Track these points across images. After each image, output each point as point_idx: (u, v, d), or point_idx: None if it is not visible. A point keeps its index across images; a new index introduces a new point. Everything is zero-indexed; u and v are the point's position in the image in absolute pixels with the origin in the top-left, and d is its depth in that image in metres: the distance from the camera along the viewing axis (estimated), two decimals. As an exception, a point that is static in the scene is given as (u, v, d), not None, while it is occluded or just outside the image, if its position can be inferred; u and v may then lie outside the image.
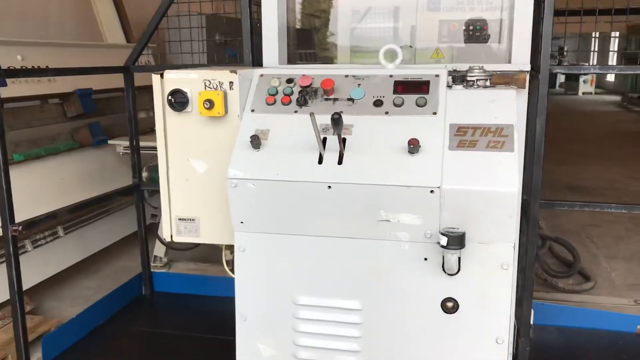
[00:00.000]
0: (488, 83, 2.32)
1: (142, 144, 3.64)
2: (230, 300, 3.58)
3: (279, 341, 2.39)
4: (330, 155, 2.20)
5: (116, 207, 5.09)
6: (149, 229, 3.96)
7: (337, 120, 2.04)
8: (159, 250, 5.02)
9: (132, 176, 3.62)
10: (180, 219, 2.54)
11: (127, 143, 3.72)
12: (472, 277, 2.15)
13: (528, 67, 2.45)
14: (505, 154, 2.09)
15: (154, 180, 4.22)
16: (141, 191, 3.67)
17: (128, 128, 3.58)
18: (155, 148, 2.50)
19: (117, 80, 3.67)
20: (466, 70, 2.33)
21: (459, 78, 2.33)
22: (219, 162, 2.40)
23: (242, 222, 2.34)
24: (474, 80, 2.32)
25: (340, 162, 2.18)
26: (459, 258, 2.13)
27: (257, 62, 2.94)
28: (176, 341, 3.19)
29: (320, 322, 2.33)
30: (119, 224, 5.06)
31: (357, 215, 2.20)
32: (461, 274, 2.16)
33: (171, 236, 2.57)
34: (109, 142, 4.45)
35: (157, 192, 2.56)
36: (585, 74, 18.29)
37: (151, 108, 2.53)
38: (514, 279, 2.16)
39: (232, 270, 4.85)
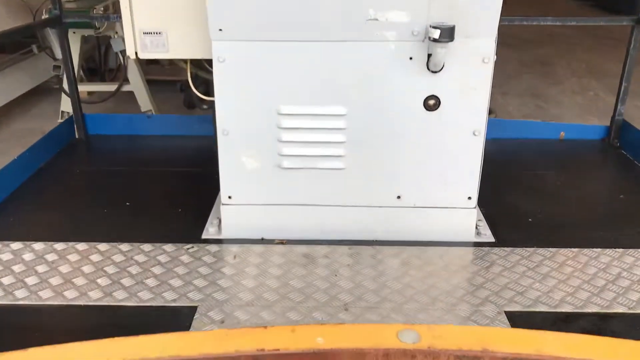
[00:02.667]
0: None
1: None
2: (172, 138, 3.53)
3: (263, 153, 2.39)
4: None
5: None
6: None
7: None
8: (65, 105, 4.65)
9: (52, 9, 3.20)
10: (145, 33, 2.34)
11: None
12: (454, 73, 2.25)
13: None
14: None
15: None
16: (64, 24, 3.27)
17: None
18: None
19: None
20: None
21: None
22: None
23: (220, 30, 2.21)
24: None
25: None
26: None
27: None
28: (130, 176, 3.07)
29: (304, 130, 2.35)
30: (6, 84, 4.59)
31: (345, 14, 2.16)
32: (444, 71, 2.25)
33: (136, 53, 2.37)
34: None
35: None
36: None
37: None
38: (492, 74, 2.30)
39: (189, 102, 4.66)
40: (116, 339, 1.15)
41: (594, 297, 2.14)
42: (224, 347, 1.08)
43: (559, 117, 4.68)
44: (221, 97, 2.32)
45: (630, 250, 2.37)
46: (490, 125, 3.35)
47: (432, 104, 2.31)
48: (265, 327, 1.15)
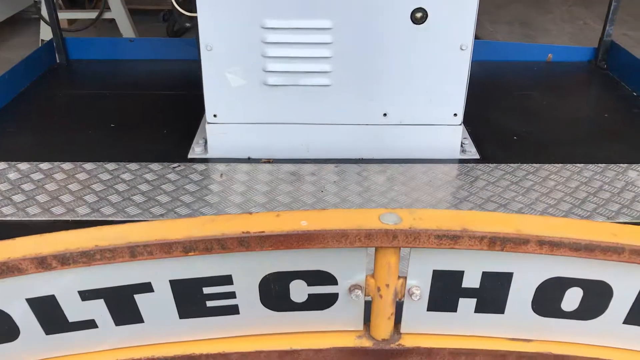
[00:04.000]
0: None
1: None
2: (156, 62, 3.46)
3: (247, 69, 2.36)
4: None
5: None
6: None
7: None
8: (45, 33, 4.54)
9: None
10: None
11: None
12: (443, -16, 2.21)
13: None
14: None
15: None
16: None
17: None
18: None
19: None
20: None
21: None
22: None
23: (201, -63, 2.14)
24: None
25: None
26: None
27: None
28: (114, 99, 3.03)
29: (290, 45, 2.31)
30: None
31: None
32: (432, -18, 2.20)
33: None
34: None
35: None
36: None
37: None
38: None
39: (173, 31, 4.52)
40: (103, 227, 1.16)
41: (575, 209, 2.18)
42: (210, 230, 1.10)
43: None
44: (203, 10, 2.26)
45: (612, 165, 2.41)
46: (479, 47, 3.33)
47: (419, 16, 2.27)
48: (251, 213, 1.16)
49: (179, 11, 2.52)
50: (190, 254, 1.10)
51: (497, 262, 1.14)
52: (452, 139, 2.48)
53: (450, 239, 1.09)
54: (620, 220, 2.11)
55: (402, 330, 1.23)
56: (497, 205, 2.21)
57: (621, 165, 2.41)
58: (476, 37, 4.74)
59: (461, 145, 2.52)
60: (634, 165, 2.40)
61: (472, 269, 1.15)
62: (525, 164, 2.43)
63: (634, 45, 5.21)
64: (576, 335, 1.21)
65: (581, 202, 2.21)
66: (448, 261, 1.14)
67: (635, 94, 2.98)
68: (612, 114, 2.85)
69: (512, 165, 2.43)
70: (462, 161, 2.49)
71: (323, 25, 2.28)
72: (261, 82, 2.38)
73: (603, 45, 3.22)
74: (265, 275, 1.16)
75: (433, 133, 2.46)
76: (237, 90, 2.39)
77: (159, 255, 1.10)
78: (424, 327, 1.22)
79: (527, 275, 1.15)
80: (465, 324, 1.21)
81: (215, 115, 2.45)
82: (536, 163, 2.43)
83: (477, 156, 2.50)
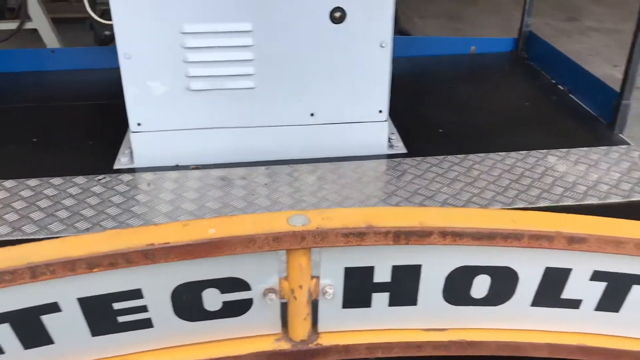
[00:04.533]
0: None
1: None
2: (79, 72, 3.35)
3: (169, 75, 2.32)
4: None
5: None
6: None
7: None
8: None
9: None
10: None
11: None
12: (358, -17, 2.23)
13: None
14: None
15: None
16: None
17: None
18: None
19: None
20: None
21: None
22: None
23: (110, -57, 2.09)
24: None
25: None
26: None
27: None
28: (35, 112, 2.92)
29: (211, 49, 2.29)
30: None
31: None
32: (348, -18, 2.23)
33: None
34: None
35: None
36: None
37: None
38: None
39: (100, 39, 4.38)
40: (1, 248, 1.12)
41: (498, 196, 2.25)
42: (114, 245, 1.08)
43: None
44: (119, 18, 2.21)
45: (533, 151, 2.50)
46: (404, 42, 3.40)
47: (338, 16, 2.29)
48: (157, 224, 1.15)
49: (97, 20, 2.46)
50: (95, 270, 1.07)
51: (405, 256, 1.17)
52: (379, 135, 2.52)
53: (357, 236, 1.10)
54: (541, 205, 2.20)
55: (319, 330, 1.24)
56: (423, 197, 2.25)
57: (541, 151, 2.50)
58: (406, 33, 4.86)
59: (389, 141, 2.56)
60: (553, 150, 2.50)
61: (382, 264, 1.17)
62: (450, 156, 2.48)
63: (556, 35, 5.44)
64: (487, 320, 1.26)
65: (504, 189, 2.29)
66: (358, 258, 1.16)
67: (554, 81, 3.10)
68: (533, 102, 2.95)
69: (438, 157, 2.48)
70: (390, 156, 2.53)
71: (243, 28, 2.27)
72: (184, 88, 2.35)
73: (522, 36, 3.34)
74: (177, 286, 1.15)
75: (360, 130, 2.49)
76: (160, 97, 2.35)
77: (62, 273, 1.07)
78: (341, 324, 1.23)
79: (435, 266, 1.18)
80: (381, 318, 1.23)
81: (139, 124, 2.40)
82: (461, 154, 2.49)
83: (404, 150, 2.55)
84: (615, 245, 1.17)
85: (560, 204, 2.20)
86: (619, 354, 1.27)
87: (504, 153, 2.49)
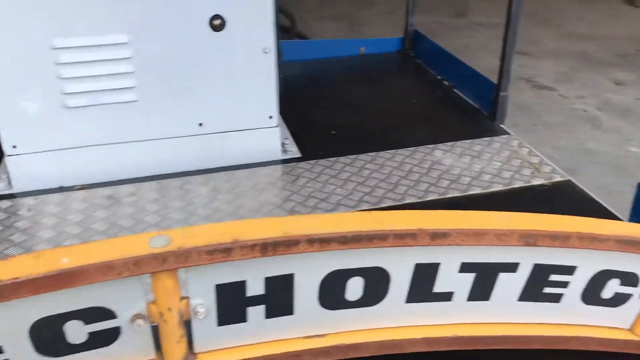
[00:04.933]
0: None
1: None
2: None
3: (44, 93, 2.19)
4: None
5: None
6: None
7: None
8: None
9: None
10: None
11: None
12: (235, -10, 2.21)
13: None
14: None
15: None
16: None
17: None
18: None
19: None
20: None
21: None
22: None
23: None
24: None
25: None
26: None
27: None
28: None
29: (86, 63, 2.19)
30: None
31: None
32: (225, -12, 2.20)
33: None
34: None
35: None
36: None
37: None
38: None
39: None
40: None
41: (389, 193, 2.30)
42: (-45, 285, 0.99)
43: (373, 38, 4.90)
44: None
45: (421, 147, 2.58)
46: (296, 46, 3.42)
47: (217, 23, 2.26)
48: (7, 258, 1.07)
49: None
50: None
51: (276, 266, 1.16)
52: (272, 141, 2.51)
53: (223, 252, 1.08)
54: (429, 199, 2.27)
55: (196, 350, 1.21)
56: (318, 200, 2.27)
57: (428, 146, 2.59)
58: (303, 36, 4.90)
59: (282, 146, 2.55)
60: (439, 144, 2.59)
61: (254, 277, 1.16)
62: (342, 157, 2.52)
63: (446, 31, 5.66)
64: (364, 322, 1.27)
65: (394, 186, 2.34)
66: (228, 274, 1.14)
67: (439, 77, 3.22)
68: (420, 99, 3.05)
69: (330, 159, 2.51)
70: (284, 161, 2.53)
71: (119, 40, 2.19)
72: (61, 105, 2.23)
73: (408, 35, 3.44)
74: (34, 322, 1.08)
75: (252, 137, 2.47)
76: (35, 117, 2.22)
77: None
78: (218, 343, 1.21)
79: (308, 273, 1.18)
80: (258, 332, 1.22)
81: (14, 146, 2.25)
82: (353, 154, 2.53)
83: (298, 155, 2.55)
84: (477, 237, 1.22)
85: (447, 196, 2.28)
86: (491, 340, 1.32)
87: (393, 150, 2.56)
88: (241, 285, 1.15)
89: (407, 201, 2.26)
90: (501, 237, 1.23)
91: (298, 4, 5.87)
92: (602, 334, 1.44)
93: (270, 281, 1.17)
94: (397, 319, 1.29)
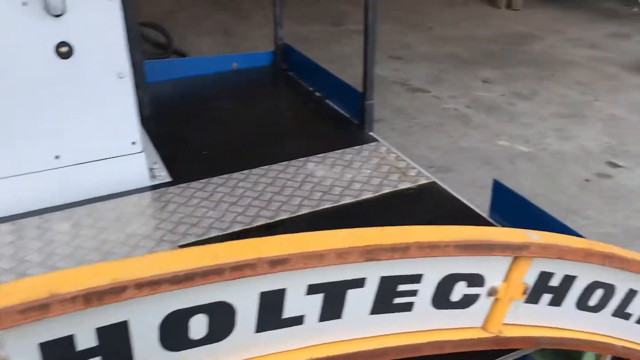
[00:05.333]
0: None
1: None
2: None
3: None
4: None
5: None
6: None
7: None
8: None
9: None
10: None
11: None
12: (81, 14, 2.10)
13: None
14: None
15: None
16: None
17: None
18: None
19: None
20: None
21: None
22: None
23: None
24: None
25: None
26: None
27: None
28: None
29: None
30: None
31: None
32: (70, 14, 2.08)
33: None
34: None
35: None
36: None
37: None
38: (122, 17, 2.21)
39: None
40: None
41: (262, 211, 2.28)
42: None
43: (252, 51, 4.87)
44: None
45: (293, 160, 2.58)
46: (165, 66, 3.33)
47: (64, 51, 2.13)
48: None
49: None
50: None
51: (106, 316, 1.09)
52: (137, 167, 2.41)
53: (38, 310, 1.00)
54: (302, 213, 2.27)
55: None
56: (188, 225, 2.20)
57: (301, 159, 2.60)
58: (182, 54, 4.81)
59: (151, 171, 2.46)
60: (311, 157, 2.61)
61: (82, 330, 1.08)
62: (215, 177, 2.47)
63: (325, 41, 5.74)
64: (214, 358, 1.23)
65: (267, 203, 2.33)
66: (51, 329, 1.06)
67: (311, 89, 3.25)
68: (293, 112, 3.07)
69: (202, 181, 2.45)
70: (153, 187, 2.44)
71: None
72: None
73: (279, 49, 3.45)
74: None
75: (116, 166, 2.36)
76: None
77: None
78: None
79: (143, 318, 1.13)
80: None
81: None
82: (225, 174, 2.48)
83: (169, 179, 2.47)
84: (318, 258, 1.21)
85: (319, 208, 2.30)
86: (347, 358, 1.33)
87: (266, 166, 2.54)
88: (68, 340, 1.07)
89: (280, 217, 2.25)
90: (342, 256, 1.24)
91: (175, 20, 5.74)
92: (456, 335, 1.50)
93: (102, 331, 1.09)
94: (248, 350, 1.26)
